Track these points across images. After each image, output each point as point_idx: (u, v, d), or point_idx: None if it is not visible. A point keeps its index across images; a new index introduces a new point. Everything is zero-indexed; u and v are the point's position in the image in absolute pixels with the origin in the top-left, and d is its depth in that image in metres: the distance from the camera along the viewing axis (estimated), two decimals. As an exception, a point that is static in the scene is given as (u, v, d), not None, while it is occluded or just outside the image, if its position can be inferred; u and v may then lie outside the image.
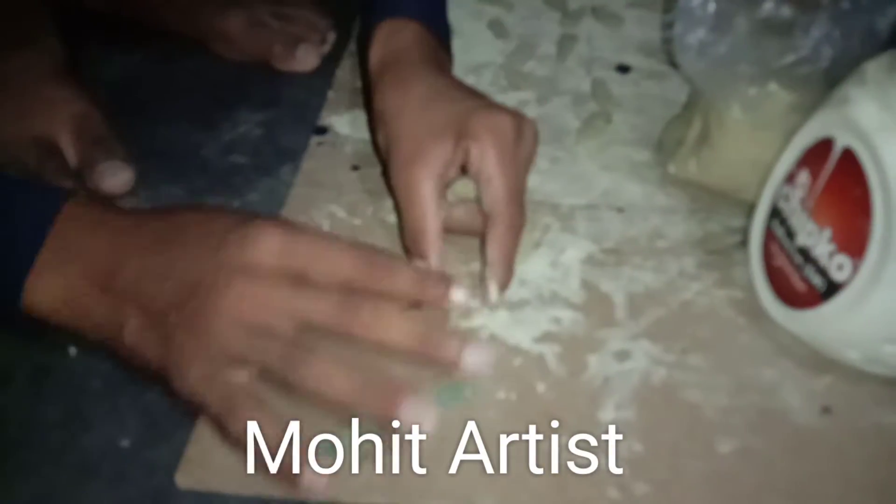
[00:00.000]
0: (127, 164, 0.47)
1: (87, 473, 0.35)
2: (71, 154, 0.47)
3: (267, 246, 0.29)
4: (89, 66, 0.52)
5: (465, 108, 0.40)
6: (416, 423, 0.27)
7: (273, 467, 0.28)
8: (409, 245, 0.40)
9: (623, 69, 0.56)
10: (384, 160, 0.42)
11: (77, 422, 0.36)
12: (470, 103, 0.41)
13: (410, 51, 0.44)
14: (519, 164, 0.40)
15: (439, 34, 0.46)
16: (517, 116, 0.40)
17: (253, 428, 0.28)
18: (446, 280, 0.30)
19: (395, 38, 0.44)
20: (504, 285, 0.39)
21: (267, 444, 0.28)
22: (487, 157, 0.38)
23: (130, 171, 0.47)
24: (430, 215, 0.39)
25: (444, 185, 0.40)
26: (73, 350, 0.39)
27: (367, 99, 0.46)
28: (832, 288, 0.35)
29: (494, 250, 0.39)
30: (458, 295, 0.30)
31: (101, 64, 0.55)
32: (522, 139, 0.40)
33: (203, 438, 0.35)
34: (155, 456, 0.35)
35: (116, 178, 0.46)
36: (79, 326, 0.31)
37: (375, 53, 0.44)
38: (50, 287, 0.30)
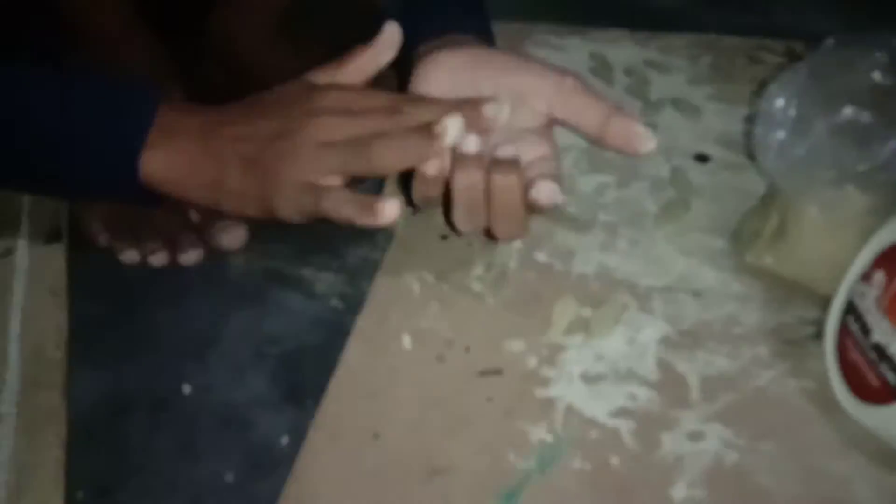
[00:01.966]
0: (242, 224, 0.52)
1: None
2: (194, 213, 0.52)
3: (328, 96, 0.39)
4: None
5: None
6: (449, 127, 0.37)
7: (363, 210, 0.37)
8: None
9: (702, 158, 0.58)
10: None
11: (188, 454, 0.40)
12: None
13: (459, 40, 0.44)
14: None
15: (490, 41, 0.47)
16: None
17: (340, 194, 0.37)
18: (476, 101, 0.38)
19: (441, 40, 0.44)
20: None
21: (353, 200, 0.37)
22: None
23: (244, 229, 0.52)
24: None
25: None
26: (187, 387, 0.44)
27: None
28: (906, 387, 0.37)
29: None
30: (493, 108, 0.39)
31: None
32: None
33: (302, 477, 0.38)
34: (256, 491, 0.38)
35: (232, 235, 0.51)
36: (187, 190, 0.38)
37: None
38: (161, 159, 0.37)
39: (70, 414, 0.43)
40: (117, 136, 0.37)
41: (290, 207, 0.38)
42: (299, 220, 0.38)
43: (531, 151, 0.41)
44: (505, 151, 0.40)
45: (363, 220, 0.37)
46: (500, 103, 0.39)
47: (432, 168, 0.39)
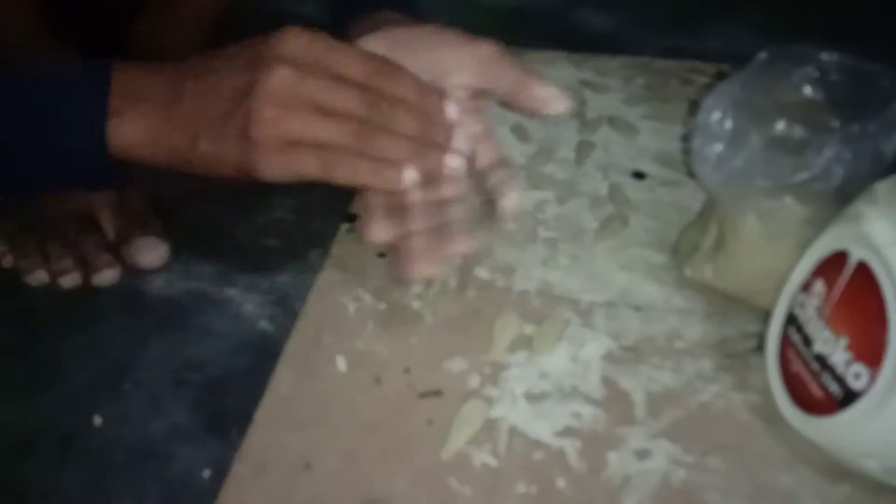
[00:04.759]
0: (162, 241, 0.48)
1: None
2: (109, 228, 0.49)
3: (295, 41, 0.35)
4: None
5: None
6: (407, 178, 0.36)
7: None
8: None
9: (638, 175, 0.58)
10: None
11: (98, 493, 0.36)
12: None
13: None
14: None
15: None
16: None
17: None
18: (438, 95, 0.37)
19: (370, 19, 0.45)
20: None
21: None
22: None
23: (165, 247, 0.48)
24: None
25: None
26: (97, 419, 0.40)
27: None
28: (849, 396, 0.36)
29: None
30: (450, 109, 0.38)
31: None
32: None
33: (224, 517, 0.35)
34: (174, 533, 0.35)
35: (152, 253, 0.48)
36: (158, 154, 0.36)
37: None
38: (128, 126, 0.36)
39: (-38, 453, 0.39)
40: (79, 111, 0.36)
41: (268, 168, 0.35)
42: (288, 179, 0.36)
43: (465, 135, 0.40)
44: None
45: (373, 181, 0.36)
46: (460, 159, 0.39)
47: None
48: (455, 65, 0.40)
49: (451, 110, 0.38)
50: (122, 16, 0.61)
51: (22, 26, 0.54)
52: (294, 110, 0.35)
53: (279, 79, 0.34)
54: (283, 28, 0.36)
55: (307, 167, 0.35)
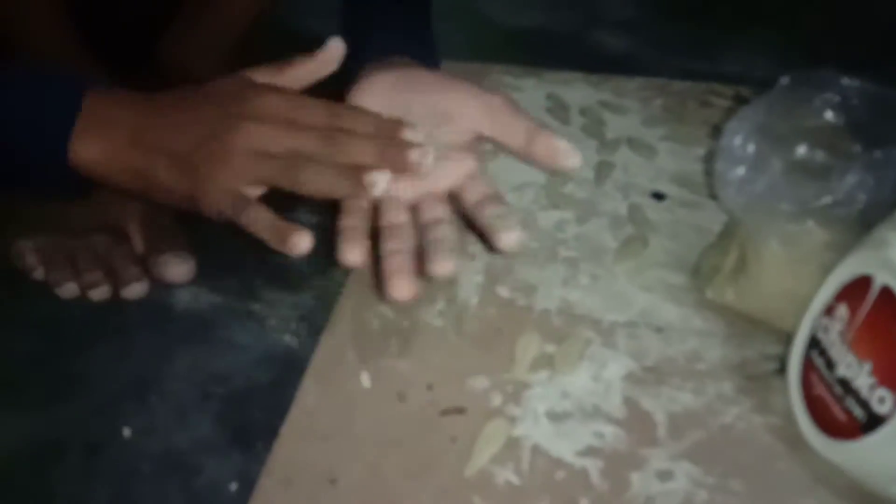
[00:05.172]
0: (189, 256, 0.49)
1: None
2: (138, 242, 0.50)
3: (265, 100, 0.38)
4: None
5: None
6: (378, 181, 0.37)
7: (276, 236, 0.37)
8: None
9: (658, 196, 0.59)
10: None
11: (125, 503, 0.37)
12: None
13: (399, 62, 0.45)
14: None
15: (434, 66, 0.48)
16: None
17: (260, 214, 0.37)
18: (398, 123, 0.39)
19: (382, 62, 0.45)
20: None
21: (270, 224, 0.37)
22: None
23: (192, 262, 0.49)
24: None
25: None
26: (126, 431, 0.40)
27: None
28: (873, 420, 0.36)
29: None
30: (411, 133, 0.39)
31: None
32: None
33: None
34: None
35: (178, 267, 0.49)
36: (117, 177, 0.39)
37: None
38: (91, 148, 0.38)
39: (-9, 461, 0.39)
40: (47, 123, 0.38)
41: (213, 208, 0.38)
42: (219, 220, 0.38)
43: (456, 169, 0.41)
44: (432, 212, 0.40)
45: (275, 244, 0.37)
46: (426, 150, 0.39)
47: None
48: (463, 110, 0.41)
49: (415, 135, 0.39)
50: (149, 31, 0.62)
51: (52, 41, 0.55)
52: (261, 160, 0.37)
53: (246, 134, 0.37)
54: (251, 82, 0.39)
55: (262, 178, 0.37)
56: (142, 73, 0.58)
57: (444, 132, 0.41)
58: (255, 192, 0.38)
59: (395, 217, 0.40)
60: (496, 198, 0.40)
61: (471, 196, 0.41)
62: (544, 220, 0.55)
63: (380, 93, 0.42)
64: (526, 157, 0.41)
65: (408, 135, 0.39)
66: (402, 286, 0.37)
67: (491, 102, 0.41)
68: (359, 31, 0.47)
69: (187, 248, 0.49)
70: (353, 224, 0.38)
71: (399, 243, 0.38)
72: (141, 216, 0.50)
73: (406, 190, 0.40)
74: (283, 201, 0.38)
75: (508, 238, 0.38)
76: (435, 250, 0.38)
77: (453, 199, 0.41)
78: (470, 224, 0.41)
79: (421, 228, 0.39)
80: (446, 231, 0.39)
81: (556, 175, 0.60)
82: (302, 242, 0.36)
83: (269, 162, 0.37)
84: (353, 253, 0.37)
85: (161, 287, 0.49)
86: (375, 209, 0.40)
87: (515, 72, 0.71)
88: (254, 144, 0.37)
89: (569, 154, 0.40)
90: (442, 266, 0.37)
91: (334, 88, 0.42)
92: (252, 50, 0.64)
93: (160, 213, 0.51)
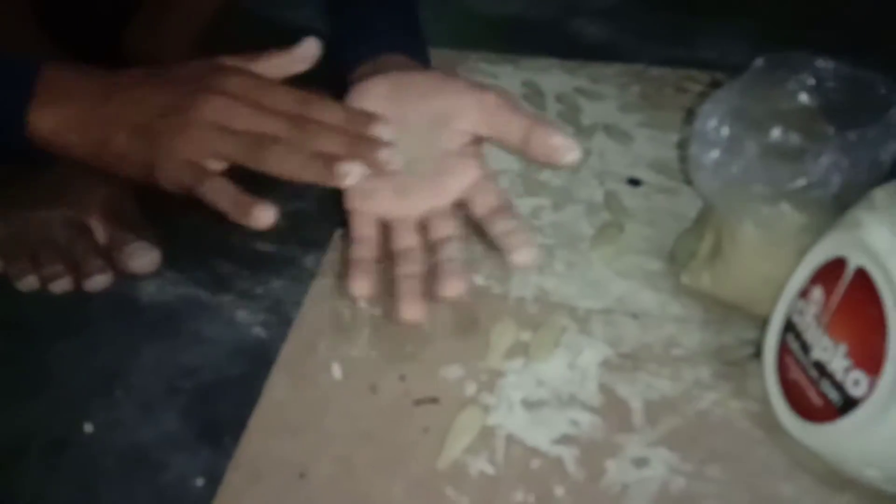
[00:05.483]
0: (154, 246, 0.48)
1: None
2: (101, 234, 0.48)
3: (233, 78, 0.38)
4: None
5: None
6: (350, 172, 0.36)
7: (238, 209, 0.36)
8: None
9: (634, 182, 0.58)
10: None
11: (89, 500, 0.36)
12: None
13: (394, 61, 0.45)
14: None
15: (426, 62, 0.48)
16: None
17: (222, 185, 0.36)
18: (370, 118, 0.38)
19: (374, 63, 0.45)
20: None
21: (232, 196, 0.36)
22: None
23: (157, 252, 0.48)
24: None
25: None
26: (88, 426, 0.39)
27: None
28: (849, 403, 0.36)
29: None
30: (382, 129, 0.38)
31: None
32: None
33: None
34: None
35: (144, 258, 0.47)
36: (75, 149, 0.38)
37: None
38: (50, 118, 0.37)
39: (-52, 461, 0.38)
40: (4, 95, 0.38)
41: (170, 180, 0.37)
42: (176, 192, 0.38)
43: (460, 181, 0.41)
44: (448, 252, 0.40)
45: (237, 217, 0.36)
46: (395, 150, 0.38)
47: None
48: (460, 111, 0.40)
49: (385, 132, 0.38)
50: (116, 23, 0.61)
51: (17, 33, 0.54)
52: (223, 135, 0.36)
53: (212, 109, 0.36)
54: (220, 64, 0.38)
55: (222, 153, 0.36)
56: (110, 64, 0.56)
57: (443, 139, 0.41)
58: (217, 166, 0.37)
59: (406, 240, 0.40)
60: (506, 209, 0.40)
61: (480, 208, 0.41)
62: (520, 208, 0.55)
63: (374, 103, 0.41)
64: (525, 154, 0.40)
65: (378, 131, 0.38)
66: (412, 310, 0.38)
67: (484, 100, 0.40)
68: (348, 28, 0.47)
69: (152, 238, 0.48)
70: (361, 256, 0.40)
71: (410, 267, 0.39)
72: (103, 207, 0.49)
73: (415, 207, 0.41)
74: (250, 188, 0.37)
75: (523, 256, 0.39)
76: (444, 273, 0.39)
77: (462, 206, 0.41)
78: (479, 231, 0.41)
79: (430, 247, 0.40)
80: (454, 251, 0.40)
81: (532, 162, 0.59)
82: (265, 215, 0.35)
83: (232, 137, 0.36)
84: (362, 286, 0.39)
85: (126, 278, 0.47)
86: (385, 227, 0.41)
87: (492, 59, 0.70)
88: (217, 117, 0.36)
89: (567, 149, 0.39)
90: (452, 288, 0.38)
91: (322, 88, 0.40)
92: (223, 39, 0.63)
93: (124, 202, 0.50)
